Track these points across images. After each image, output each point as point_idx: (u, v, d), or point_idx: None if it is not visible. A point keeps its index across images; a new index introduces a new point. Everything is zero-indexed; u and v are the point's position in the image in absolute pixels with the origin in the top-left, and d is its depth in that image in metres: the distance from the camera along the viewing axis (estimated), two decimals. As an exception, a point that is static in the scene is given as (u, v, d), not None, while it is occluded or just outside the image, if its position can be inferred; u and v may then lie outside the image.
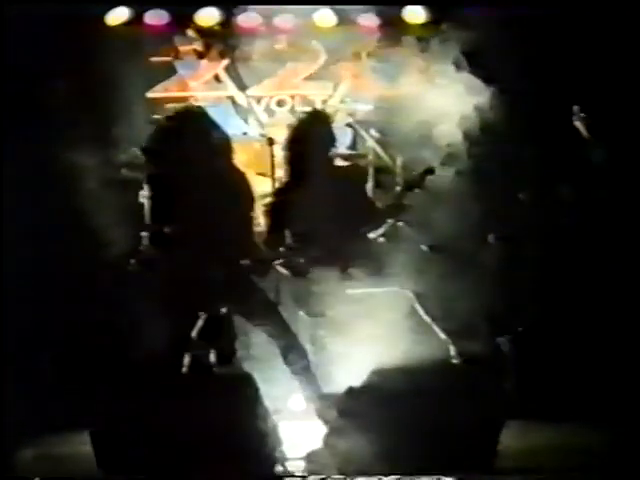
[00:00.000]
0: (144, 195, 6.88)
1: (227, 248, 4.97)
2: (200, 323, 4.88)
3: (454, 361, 5.13)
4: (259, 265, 5.03)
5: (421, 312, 5.25)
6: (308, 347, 5.23)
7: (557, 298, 6.39)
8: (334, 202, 5.31)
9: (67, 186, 6.45)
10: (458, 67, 6.07)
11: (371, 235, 5.44)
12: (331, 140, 5.64)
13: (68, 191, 6.44)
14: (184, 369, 4.94)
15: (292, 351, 5.10)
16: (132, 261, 6.09)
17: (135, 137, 7.13)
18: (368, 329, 5.06)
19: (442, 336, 5.21)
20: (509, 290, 6.32)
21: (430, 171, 5.70)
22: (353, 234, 5.37)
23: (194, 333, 4.88)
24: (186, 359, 4.93)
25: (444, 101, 6.44)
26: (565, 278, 6.39)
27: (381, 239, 5.50)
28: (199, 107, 6.29)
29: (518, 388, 5.65)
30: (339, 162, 5.95)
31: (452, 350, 5.13)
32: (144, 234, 6.64)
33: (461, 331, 5.34)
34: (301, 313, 5.35)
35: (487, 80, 6.20)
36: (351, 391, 4.75)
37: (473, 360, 5.06)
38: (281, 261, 5.13)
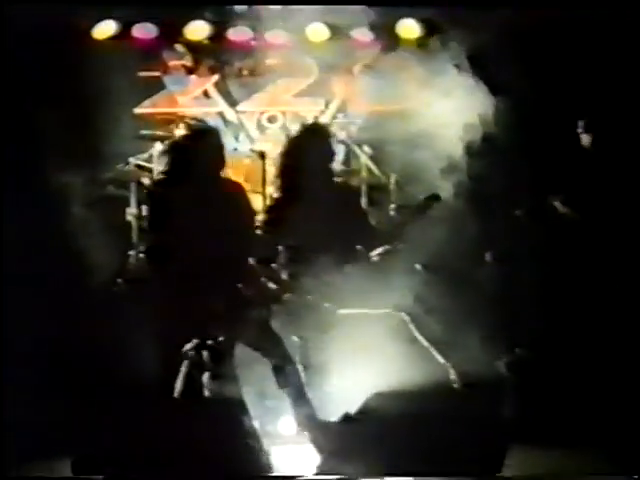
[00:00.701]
0: (131, 213, 6.83)
1: (223, 267, 4.77)
2: (192, 345, 4.69)
3: (454, 385, 4.96)
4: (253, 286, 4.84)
5: (417, 334, 5.07)
6: (301, 370, 5.04)
7: (557, 318, 6.22)
8: (329, 219, 5.13)
9: (51, 204, 6.36)
10: (459, 70, 5.91)
11: (369, 256, 5.26)
12: (329, 154, 5.44)
13: (53, 209, 6.35)
14: (176, 394, 4.75)
15: (285, 373, 4.91)
16: (119, 281, 5.94)
17: (122, 154, 7.07)
18: (363, 352, 4.89)
19: (440, 359, 5.03)
20: (507, 311, 6.16)
21: (435, 198, 5.47)
22: (348, 252, 5.18)
23: (186, 356, 4.68)
24: (178, 384, 4.74)
25: (442, 114, 6.30)
26: (565, 298, 6.20)
27: (376, 258, 5.32)
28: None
29: (519, 412, 5.46)
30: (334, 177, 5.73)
31: (452, 374, 4.95)
32: (132, 252, 6.59)
33: (459, 353, 5.16)
34: (294, 337, 5.15)
35: (489, 88, 6.07)
36: (347, 417, 4.57)
37: (473, 384, 4.88)
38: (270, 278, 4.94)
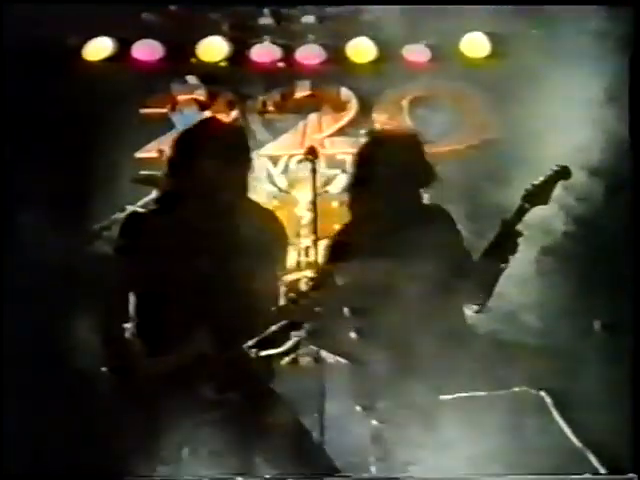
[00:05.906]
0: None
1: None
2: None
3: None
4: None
5: (569, 434, 3.53)
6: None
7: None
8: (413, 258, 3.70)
9: (29, 262, 5.18)
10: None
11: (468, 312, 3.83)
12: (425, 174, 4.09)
13: (30, 269, 5.17)
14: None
15: None
16: (102, 369, 4.57)
17: (117, 207, 5.75)
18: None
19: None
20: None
21: (564, 173, 4.00)
22: (443, 307, 3.73)
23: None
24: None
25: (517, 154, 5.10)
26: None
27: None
28: None
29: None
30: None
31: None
32: (127, 325, 5.28)
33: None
34: (357, 408, 3.67)
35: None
36: None
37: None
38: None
